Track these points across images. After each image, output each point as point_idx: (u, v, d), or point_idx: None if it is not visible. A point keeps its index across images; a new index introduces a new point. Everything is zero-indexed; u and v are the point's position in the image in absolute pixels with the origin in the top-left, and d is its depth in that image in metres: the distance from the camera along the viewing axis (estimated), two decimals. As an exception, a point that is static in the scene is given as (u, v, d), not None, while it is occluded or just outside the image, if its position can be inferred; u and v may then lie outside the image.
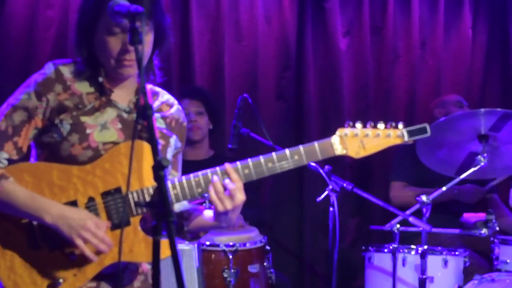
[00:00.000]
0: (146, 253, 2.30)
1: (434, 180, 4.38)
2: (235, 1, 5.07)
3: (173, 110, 2.53)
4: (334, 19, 5.26)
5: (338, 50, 5.26)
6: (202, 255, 3.71)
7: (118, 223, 2.28)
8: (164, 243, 2.19)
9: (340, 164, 4.88)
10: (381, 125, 2.34)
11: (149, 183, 2.29)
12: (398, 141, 2.35)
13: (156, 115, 2.47)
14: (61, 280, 2.28)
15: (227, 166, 2.31)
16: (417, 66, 5.46)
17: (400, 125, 2.35)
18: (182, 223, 2.48)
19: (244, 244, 3.92)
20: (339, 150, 2.34)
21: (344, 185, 3.69)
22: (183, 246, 3.55)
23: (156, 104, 2.49)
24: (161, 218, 1.83)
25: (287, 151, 2.35)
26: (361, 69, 5.36)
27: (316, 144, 2.33)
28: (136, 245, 2.30)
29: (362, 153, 2.34)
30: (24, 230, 2.28)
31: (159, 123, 2.46)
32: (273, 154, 2.34)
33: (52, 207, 2.24)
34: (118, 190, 2.30)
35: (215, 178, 2.30)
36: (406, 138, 2.34)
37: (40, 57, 4.59)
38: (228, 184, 2.29)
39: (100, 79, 2.37)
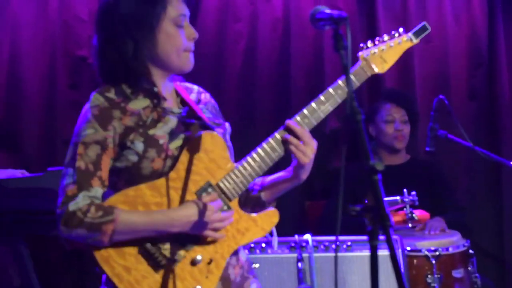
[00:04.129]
0: (257, 230, 2.41)
1: None
2: (422, 2, 4.98)
3: (207, 96, 2.59)
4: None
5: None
6: (405, 260, 3.66)
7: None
8: (268, 213, 2.43)
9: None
10: (386, 37, 2.57)
11: (230, 166, 2.39)
12: (409, 44, 2.61)
13: (200, 106, 2.50)
14: (198, 287, 2.31)
15: (289, 122, 2.42)
16: None
17: (401, 29, 2.61)
18: (259, 196, 2.52)
19: (447, 249, 3.82)
20: (369, 71, 2.55)
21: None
22: (383, 252, 3.52)
23: (193, 97, 2.53)
24: (378, 222, 1.82)
25: (330, 89, 2.51)
26: None
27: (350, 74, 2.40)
28: (246, 225, 2.40)
29: (386, 67, 2.57)
30: (142, 258, 2.29)
31: (206, 114, 2.49)
32: (320, 96, 2.50)
33: (173, 219, 2.26)
34: (208, 184, 2.36)
35: (284, 135, 2.40)
36: (414, 39, 2.62)
37: (230, 70, 4.73)
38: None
39: (155, 89, 2.38)
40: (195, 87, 2.59)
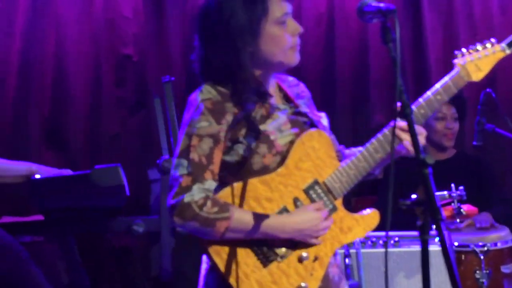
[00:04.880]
0: (359, 229, 2.42)
1: None
2: (467, -6, 4.93)
3: (302, 88, 2.58)
4: None
5: None
6: (454, 256, 3.63)
7: (329, 212, 2.36)
8: (369, 214, 2.42)
9: None
10: (479, 47, 2.53)
11: (336, 164, 2.39)
12: (502, 54, 2.55)
13: (299, 101, 2.49)
14: (304, 284, 2.32)
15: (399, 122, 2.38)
16: None
17: (493, 40, 2.56)
18: (373, 174, 2.53)
19: (495, 244, 3.78)
20: (466, 78, 2.51)
21: None
22: (433, 247, 3.49)
23: (294, 91, 2.52)
24: (429, 216, 1.81)
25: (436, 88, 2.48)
26: None
27: (449, 81, 2.48)
28: (350, 224, 2.40)
29: (480, 75, 2.53)
30: (251, 252, 2.31)
31: (304, 109, 2.48)
32: (428, 93, 2.48)
33: (284, 226, 2.29)
34: (315, 181, 2.36)
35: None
36: (507, 50, 2.55)
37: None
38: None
39: (262, 89, 2.38)
40: (290, 78, 2.57)
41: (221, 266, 2.29)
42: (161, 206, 3.79)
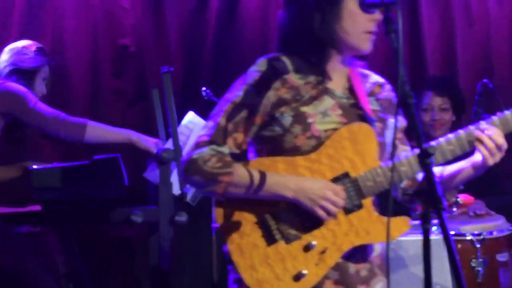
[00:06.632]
0: (382, 233, 2.28)
1: None
2: (463, -15, 4.95)
3: (385, 91, 2.50)
4: None
5: None
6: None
7: (351, 208, 2.29)
8: (398, 220, 2.30)
9: None
10: None
11: (375, 164, 2.30)
12: None
13: (371, 98, 2.43)
14: (304, 272, 2.26)
15: (484, 124, 2.35)
16: None
17: None
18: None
19: (491, 233, 3.80)
20: None
21: None
22: (432, 237, 3.52)
23: (367, 87, 2.45)
24: (430, 205, 1.83)
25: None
26: None
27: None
28: (372, 226, 2.30)
29: None
30: (258, 228, 2.29)
31: (373, 106, 2.42)
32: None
33: (290, 181, 2.25)
34: (345, 175, 2.29)
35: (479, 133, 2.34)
36: None
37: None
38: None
39: (325, 66, 2.35)
40: (374, 77, 2.52)
41: (225, 232, 2.29)
42: (159, 196, 3.80)
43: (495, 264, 3.81)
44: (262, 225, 2.29)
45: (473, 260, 3.75)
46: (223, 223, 2.31)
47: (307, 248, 2.28)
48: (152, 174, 3.82)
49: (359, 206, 2.30)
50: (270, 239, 2.28)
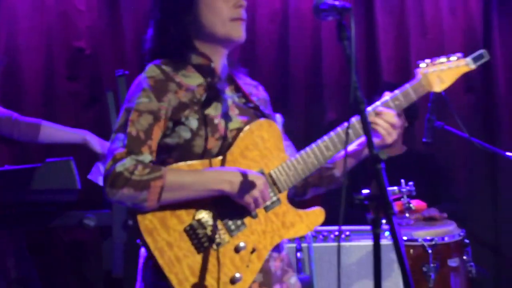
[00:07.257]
0: (304, 225, 2.40)
1: None
2: (418, -6, 5.02)
3: (260, 89, 2.59)
4: (523, 6, 5.07)
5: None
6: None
7: (270, 204, 2.35)
8: (314, 212, 2.42)
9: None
10: (444, 59, 2.60)
11: (284, 157, 2.39)
12: (466, 69, 2.61)
13: (253, 98, 2.50)
14: (238, 275, 2.28)
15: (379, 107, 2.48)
16: None
17: (459, 54, 2.62)
18: (332, 174, 2.54)
19: (443, 238, 3.85)
20: (427, 87, 2.56)
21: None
22: (384, 242, 3.55)
23: (251, 90, 2.53)
24: (380, 211, 1.85)
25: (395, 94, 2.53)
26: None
27: (409, 88, 2.53)
28: (294, 219, 2.39)
29: (443, 86, 2.59)
30: (185, 236, 2.26)
31: (258, 104, 2.50)
32: (386, 97, 2.54)
33: (221, 174, 2.24)
34: (261, 172, 2.34)
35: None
36: (471, 65, 2.60)
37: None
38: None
39: (212, 65, 2.38)
40: (247, 79, 2.58)
41: (153, 248, 2.22)
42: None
43: (446, 269, 3.85)
44: (190, 232, 2.27)
45: (425, 265, 3.78)
46: (150, 237, 2.23)
47: (237, 250, 2.28)
48: (96, 176, 3.80)
49: (278, 201, 2.36)
50: (199, 247, 2.27)
